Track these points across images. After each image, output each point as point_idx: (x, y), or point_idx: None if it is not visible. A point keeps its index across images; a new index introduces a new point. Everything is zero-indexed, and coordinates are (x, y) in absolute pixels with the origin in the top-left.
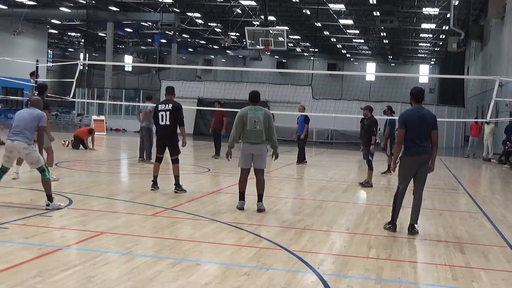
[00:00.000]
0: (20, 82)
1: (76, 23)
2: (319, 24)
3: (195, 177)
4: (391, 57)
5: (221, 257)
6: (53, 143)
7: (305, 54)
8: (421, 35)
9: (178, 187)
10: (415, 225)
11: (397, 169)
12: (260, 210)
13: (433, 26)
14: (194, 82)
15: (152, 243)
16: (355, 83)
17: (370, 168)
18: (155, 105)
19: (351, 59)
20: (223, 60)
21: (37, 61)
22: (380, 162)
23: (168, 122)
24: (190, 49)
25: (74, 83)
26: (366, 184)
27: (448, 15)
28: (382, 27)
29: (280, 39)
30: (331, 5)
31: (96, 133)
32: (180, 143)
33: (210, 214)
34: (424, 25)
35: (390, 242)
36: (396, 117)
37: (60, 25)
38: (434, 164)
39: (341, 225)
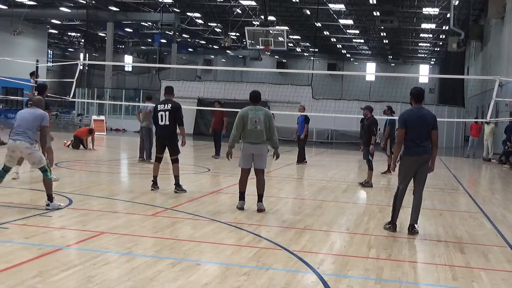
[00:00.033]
0: (20, 82)
1: (76, 23)
2: (319, 24)
3: (195, 177)
4: (391, 57)
5: (221, 257)
6: (53, 142)
7: (305, 54)
8: (421, 35)
9: (178, 187)
10: (415, 225)
11: (397, 169)
12: (260, 210)
13: (433, 26)
14: (194, 82)
15: (152, 243)
16: (355, 83)
17: (370, 168)
18: (154, 105)
19: (351, 59)
20: (223, 60)
21: (37, 61)
22: (380, 162)
23: (167, 122)
24: (190, 49)
25: (74, 83)
26: (366, 184)
27: (448, 15)
28: (382, 27)
29: (280, 39)
30: (331, 5)
31: (96, 133)
32: (179, 143)
33: (210, 214)
34: (424, 25)
35: (390, 242)
36: (396, 117)
37: (60, 25)
38: (434, 164)
39: (341, 225)
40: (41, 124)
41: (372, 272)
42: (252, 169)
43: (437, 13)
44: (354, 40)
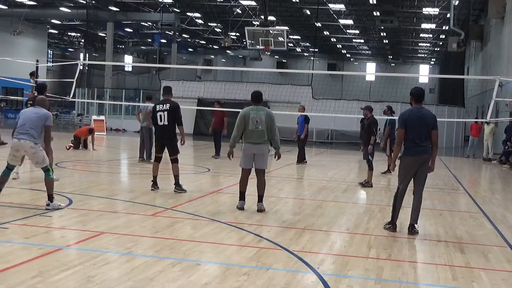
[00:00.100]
0: (20, 82)
1: (76, 23)
2: (319, 24)
3: (195, 177)
4: (391, 57)
5: (221, 257)
6: (53, 143)
7: (305, 54)
8: (421, 35)
9: (178, 187)
10: (415, 225)
11: (397, 169)
12: (260, 210)
13: (433, 26)
14: (194, 82)
15: (152, 243)
16: (355, 83)
17: (370, 168)
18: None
19: (351, 59)
20: (223, 60)
21: (37, 61)
22: (380, 162)
23: (166, 122)
24: (190, 49)
25: (74, 83)
26: (366, 184)
27: (448, 15)
28: (382, 27)
29: (280, 39)
30: (331, 5)
31: (96, 133)
32: (179, 143)
33: (210, 214)
34: (424, 25)
35: (390, 242)
36: (396, 117)
37: (60, 25)
38: (434, 164)
39: (341, 225)
40: (45, 124)
41: (372, 272)
42: (253, 169)
43: (437, 13)
44: (354, 40)
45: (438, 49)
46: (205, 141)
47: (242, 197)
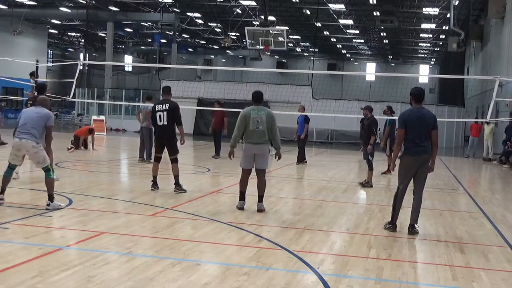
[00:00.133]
0: (20, 82)
1: (76, 23)
2: (319, 24)
3: (195, 177)
4: (391, 57)
5: (221, 257)
6: (53, 142)
7: (305, 54)
8: (421, 35)
9: (178, 187)
10: (415, 225)
11: (397, 169)
12: (260, 210)
13: (433, 26)
14: (194, 82)
15: (152, 243)
16: (355, 83)
17: (370, 168)
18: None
19: (351, 59)
20: (223, 60)
21: (37, 61)
22: (380, 162)
23: (166, 122)
24: (190, 49)
25: (74, 83)
26: (366, 184)
27: (448, 15)
28: (382, 27)
29: (280, 39)
30: (331, 5)
31: (96, 133)
32: (178, 143)
33: (210, 214)
34: (424, 25)
35: (390, 242)
36: (396, 117)
37: (60, 25)
38: (434, 164)
39: (341, 225)
40: (47, 124)
41: (372, 272)
42: (253, 169)
43: (437, 13)
44: (354, 40)
45: (438, 49)
46: (205, 141)
47: (242, 197)
